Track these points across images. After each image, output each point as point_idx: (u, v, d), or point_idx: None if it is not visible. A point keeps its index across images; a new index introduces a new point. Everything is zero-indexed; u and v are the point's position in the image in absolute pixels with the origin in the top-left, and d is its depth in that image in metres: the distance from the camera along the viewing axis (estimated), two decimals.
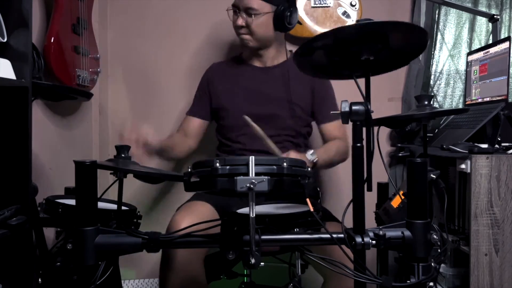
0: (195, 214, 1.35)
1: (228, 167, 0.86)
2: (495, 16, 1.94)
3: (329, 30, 0.93)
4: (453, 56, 2.22)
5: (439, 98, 2.21)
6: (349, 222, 0.94)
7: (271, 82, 1.69)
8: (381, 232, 0.93)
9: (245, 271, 1.48)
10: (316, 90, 1.71)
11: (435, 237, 0.95)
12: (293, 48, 1.86)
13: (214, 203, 1.45)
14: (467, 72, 2.01)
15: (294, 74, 1.67)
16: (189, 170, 0.92)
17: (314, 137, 1.83)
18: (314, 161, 1.49)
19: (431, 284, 0.95)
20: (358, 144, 0.94)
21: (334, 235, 0.93)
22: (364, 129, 0.95)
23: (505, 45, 1.74)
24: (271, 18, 1.61)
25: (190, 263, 1.30)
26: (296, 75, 1.66)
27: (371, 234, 0.93)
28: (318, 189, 1.70)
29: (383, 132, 2.13)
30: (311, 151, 1.50)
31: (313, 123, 1.79)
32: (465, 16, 2.21)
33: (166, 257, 1.33)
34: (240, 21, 1.62)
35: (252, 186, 0.82)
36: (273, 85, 1.68)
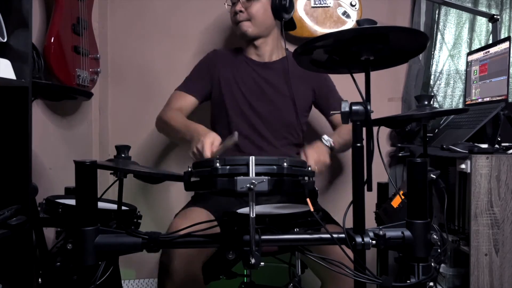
0: (193, 221, 1.34)
1: (228, 167, 0.86)
2: (495, 16, 1.94)
3: (329, 32, 0.93)
4: (453, 56, 2.22)
5: (439, 98, 2.21)
6: (348, 223, 0.94)
7: (270, 77, 1.69)
8: (381, 232, 0.93)
9: (245, 271, 1.48)
10: (317, 89, 1.72)
11: (435, 237, 0.95)
12: (292, 48, 1.87)
13: (212, 210, 1.44)
14: (467, 72, 2.01)
15: (292, 71, 1.67)
16: (189, 170, 0.93)
17: (306, 135, 1.82)
18: (331, 145, 1.52)
19: (431, 284, 0.95)
20: (358, 144, 0.94)
21: (334, 235, 0.93)
22: (364, 129, 0.95)
23: (505, 45, 1.74)
24: (269, 4, 1.64)
25: (188, 268, 1.30)
26: (295, 73, 1.66)
27: (371, 234, 0.93)
28: (317, 189, 1.70)
29: (383, 132, 2.13)
30: (325, 137, 1.52)
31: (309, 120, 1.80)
32: (465, 16, 2.21)
33: (163, 265, 1.31)
34: (239, 6, 1.63)
35: (252, 186, 0.82)
36: (271, 80, 1.68)
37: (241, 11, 1.63)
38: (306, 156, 1.45)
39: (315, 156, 1.46)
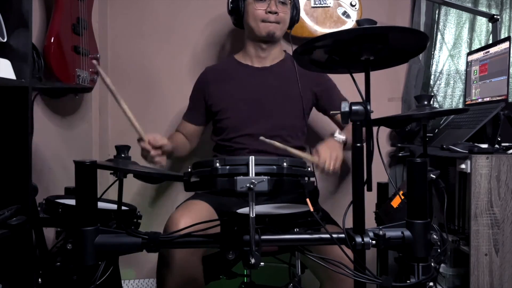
0: (193, 213, 1.35)
1: (228, 167, 0.86)
2: (495, 16, 1.94)
3: (329, 32, 0.93)
4: (453, 56, 2.22)
5: (439, 98, 2.21)
6: (348, 223, 0.94)
7: (270, 81, 1.68)
8: (381, 232, 0.93)
9: (245, 271, 1.48)
10: (318, 90, 1.71)
11: (435, 237, 0.95)
12: (292, 48, 1.87)
13: (212, 203, 1.45)
14: (467, 72, 2.01)
15: (291, 73, 1.67)
16: (189, 170, 0.93)
17: (309, 135, 1.83)
18: (344, 140, 1.55)
19: (431, 284, 0.95)
20: (358, 144, 0.94)
21: (334, 235, 0.93)
22: (364, 129, 0.95)
23: (505, 45, 1.74)
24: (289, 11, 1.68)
25: (188, 263, 1.30)
26: (294, 74, 1.66)
27: (371, 234, 0.93)
28: (318, 189, 1.70)
29: (383, 132, 2.13)
30: (337, 131, 1.57)
31: (309, 122, 1.80)
32: (465, 16, 2.21)
33: (163, 258, 1.32)
34: (274, 7, 1.61)
35: (252, 186, 0.82)
36: (271, 84, 1.68)
37: (276, 13, 1.61)
38: (319, 153, 1.41)
39: (328, 153, 1.42)
